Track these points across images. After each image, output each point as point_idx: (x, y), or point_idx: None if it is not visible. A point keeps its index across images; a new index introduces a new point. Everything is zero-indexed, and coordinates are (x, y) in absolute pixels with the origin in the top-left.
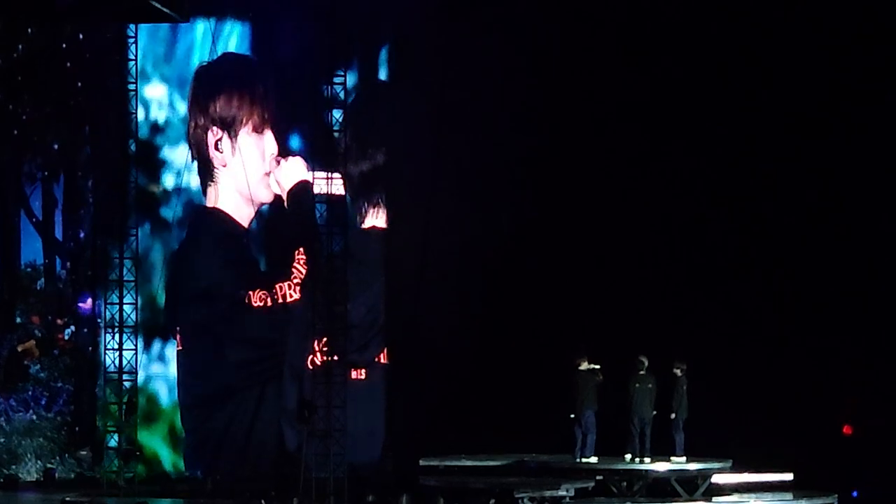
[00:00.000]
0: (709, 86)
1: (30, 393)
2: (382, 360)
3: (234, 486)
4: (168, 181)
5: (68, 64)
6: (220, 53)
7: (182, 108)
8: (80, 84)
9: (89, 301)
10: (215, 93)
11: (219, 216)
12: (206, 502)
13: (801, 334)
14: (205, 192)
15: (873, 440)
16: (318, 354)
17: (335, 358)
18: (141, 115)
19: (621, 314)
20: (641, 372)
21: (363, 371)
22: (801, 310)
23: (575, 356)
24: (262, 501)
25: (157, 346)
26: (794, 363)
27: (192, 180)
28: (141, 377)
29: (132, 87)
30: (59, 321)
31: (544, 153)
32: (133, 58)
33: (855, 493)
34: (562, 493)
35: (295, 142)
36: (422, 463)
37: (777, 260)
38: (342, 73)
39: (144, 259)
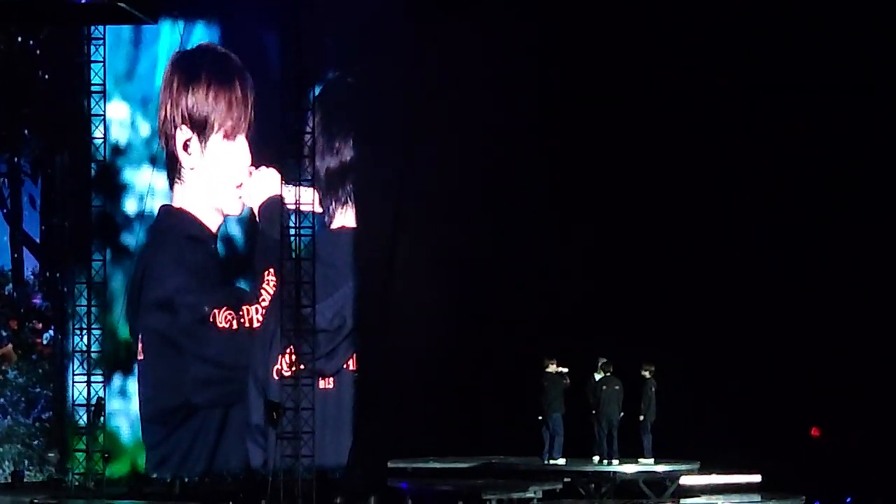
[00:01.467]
0: (666, 92)
1: (7, 397)
2: (351, 367)
3: (201, 489)
4: (129, 206)
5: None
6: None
7: (145, 128)
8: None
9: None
10: (189, 85)
11: (185, 218)
12: None
13: (769, 336)
14: (172, 188)
15: (841, 443)
16: (285, 363)
17: (302, 367)
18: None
19: (589, 316)
20: (609, 374)
21: (331, 380)
22: (769, 311)
23: (543, 358)
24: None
25: (117, 380)
26: (761, 365)
27: (159, 183)
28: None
29: (97, 95)
30: (38, 325)
31: (516, 152)
32: (101, 59)
33: (849, 500)
34: (529, 495)
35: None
36: (390, 465)
37: (746, 262)
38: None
39: (104, 288)
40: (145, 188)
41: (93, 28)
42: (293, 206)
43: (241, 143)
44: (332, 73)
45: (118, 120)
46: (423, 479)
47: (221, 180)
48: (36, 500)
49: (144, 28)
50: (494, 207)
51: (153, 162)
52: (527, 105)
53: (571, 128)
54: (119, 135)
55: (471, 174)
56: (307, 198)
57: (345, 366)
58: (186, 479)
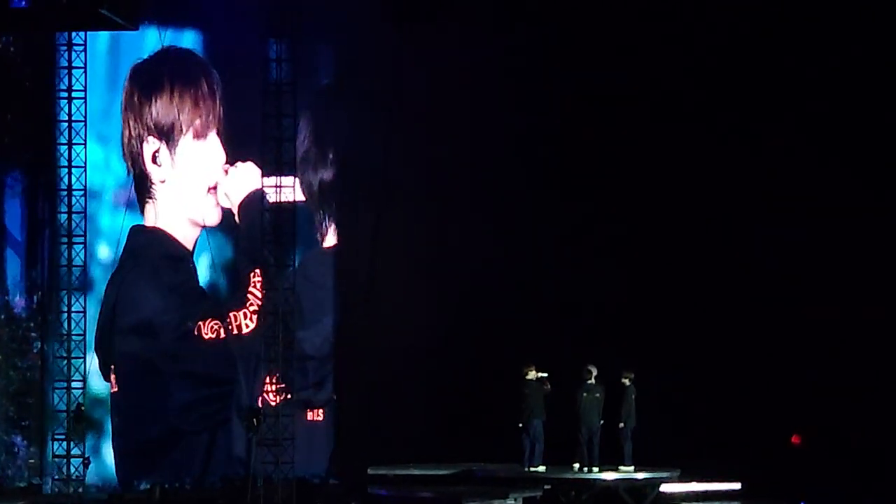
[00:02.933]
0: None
1: None
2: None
3: (181, 495)
4: (103, 252)
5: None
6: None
7: (121, 169)
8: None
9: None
10: (151, 93)
11: (159, 237)
12: None
13: (749, 344)
14: (142, 211)
15: (822, 451)
16: (271, 392)
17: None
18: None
19: (570, 324)
20: (590, 381)
21: (320, 412)
22: (750, 319)
23: (523, 366)
24: None
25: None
26: (742, 373)
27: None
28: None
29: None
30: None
31: (497, 159)
32: (82, 65)
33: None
34: (509, 502)
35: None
36: (370, 472)
37: (726, 269)
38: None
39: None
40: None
41: (73, 34)
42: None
43: (213, 140)
44: (326, 80)
45: (92, 162)
46: (404, 486)
47: (195, 185)
48: None
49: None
50: (476, 216)
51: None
52: (511, 109)
53: (553, 132)
54: (92, 179)
55: (451, 182)
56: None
57: (334, 396)
58: (166, 486)
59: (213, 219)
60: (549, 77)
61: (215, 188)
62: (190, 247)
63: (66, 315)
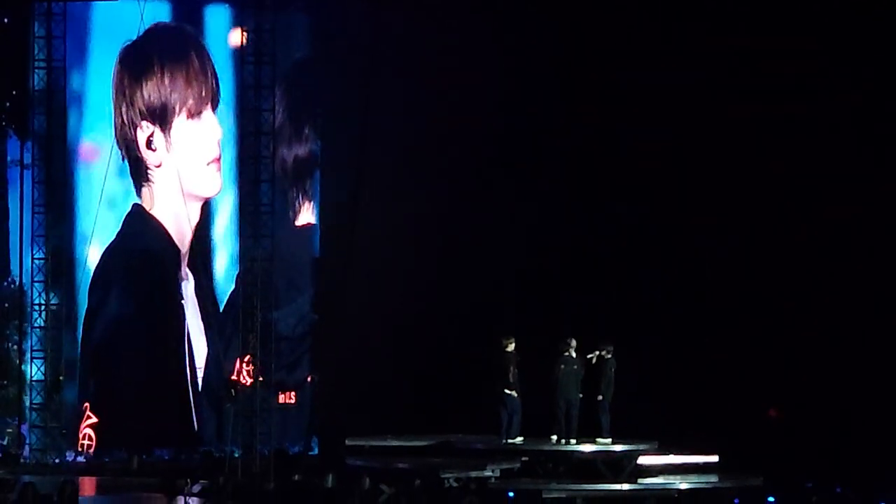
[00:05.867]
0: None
1: None
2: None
3: (159, 465)
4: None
5: None
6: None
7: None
8: None
9: None
10: (140, 76)
11: (153, 228)
12: (132, 481)
13: (727, 316)
14: (139, 192)
15: (799, 424)
16: (245, 372)
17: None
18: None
19: (548, 296)
20: (567, 353)
21: (292, 394)
22: (727, 290)
23: (502, 338)
24: (188, 480)
25: None
26: (720, 345)
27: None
28: None
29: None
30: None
31: (476, 136)
32: (61, 35)
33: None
34: (487, 473)
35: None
36: (348, 443)
37: (704, 241)
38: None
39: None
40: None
41: (54, 4)
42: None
43: (209, 117)
44: (300, 54)
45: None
46: (382, 457)
47: (193, 163)
48: None
49: None
50: (455, 190)
51: None
52: (492, 81)
53: (535, 103)
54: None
55: (429, 159)
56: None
57: (308, 378)
58: (145, 457)
59: (214, 189)
60: (530, 47)
61: (217, 160)
62: (184, 248)
63: (44, 285)
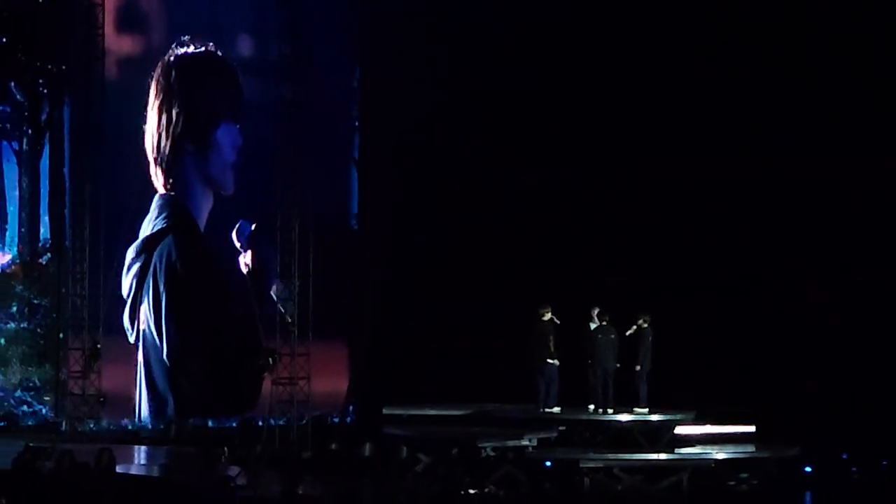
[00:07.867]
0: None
1: (14, 308)
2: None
3: (196, 434)
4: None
5: None
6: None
7: None
8: None
9: None
10: (182, 90)
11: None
12: (170, 449)
13: (765, 286)
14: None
15: (836, 395)
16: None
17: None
18: None
19: (587, 265)
20: (604, 323)
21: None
22: (766, 261)
23: (539, 307)
24: (225, 448)
25: None
26: (758, 315)
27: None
28: None
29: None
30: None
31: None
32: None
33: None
34: (524, 443)
35: None
36: (385, 412)
37: (744, 215)
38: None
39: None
40: None
41: None
42: None
43: (237, 127)
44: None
45: None
46: (419, 426)
47: (220, 166)
48: (31, 444)
49: None
50: (487, 148)
51: None
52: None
53: (532, 86)
54: None
55: (438, 114)
56: None
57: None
58: (182, 425)
59: (229, 189)
60: (527, 47)
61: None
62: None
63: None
